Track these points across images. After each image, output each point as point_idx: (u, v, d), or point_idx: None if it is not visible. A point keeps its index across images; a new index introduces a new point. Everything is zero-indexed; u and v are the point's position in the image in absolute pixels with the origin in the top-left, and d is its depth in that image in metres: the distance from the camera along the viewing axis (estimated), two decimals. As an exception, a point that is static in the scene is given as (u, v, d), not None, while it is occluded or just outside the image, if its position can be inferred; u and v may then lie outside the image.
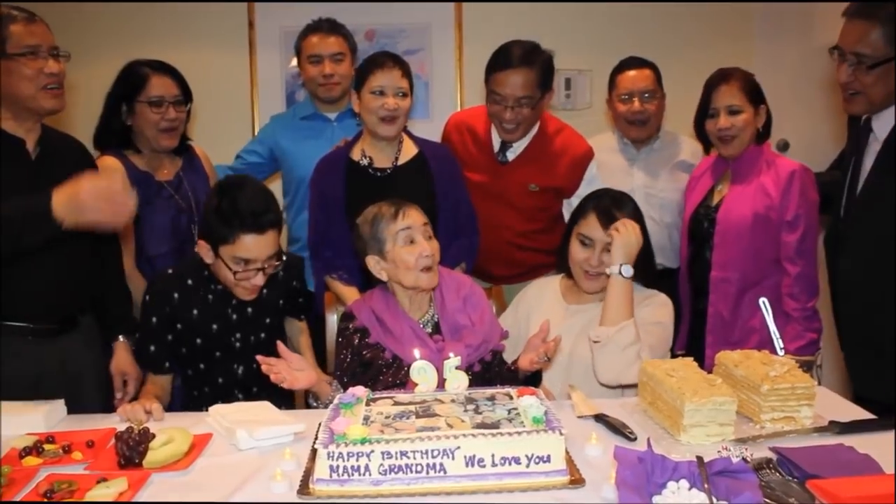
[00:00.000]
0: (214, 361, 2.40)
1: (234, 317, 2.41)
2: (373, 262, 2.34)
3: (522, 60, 2.85)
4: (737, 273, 2.77)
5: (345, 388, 2.15)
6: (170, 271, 2.43)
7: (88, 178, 2.00)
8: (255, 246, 2.25)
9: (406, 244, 2.29)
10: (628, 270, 2.35)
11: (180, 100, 2.79)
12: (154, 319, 2.36)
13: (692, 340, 2.95)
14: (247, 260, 2.26)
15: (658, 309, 2.46)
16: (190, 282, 2.39)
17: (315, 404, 2.26)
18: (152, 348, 2.37)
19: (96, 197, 1.96)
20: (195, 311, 2.37)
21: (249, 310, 2.42)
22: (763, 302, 2.12)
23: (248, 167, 3.39)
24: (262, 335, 2.46)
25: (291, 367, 2.09)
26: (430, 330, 2.34)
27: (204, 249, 2.31)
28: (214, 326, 2.39)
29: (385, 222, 2.30)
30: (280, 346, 2.15)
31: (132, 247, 2.62)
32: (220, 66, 4.06)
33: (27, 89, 2.21)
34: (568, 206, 3.10)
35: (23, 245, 2.06)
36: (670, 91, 3.31)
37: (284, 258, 2.37)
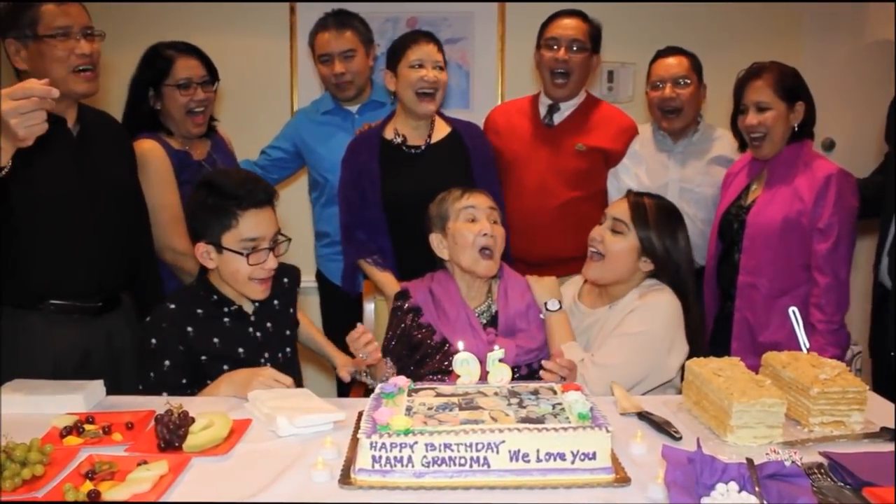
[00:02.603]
0: None
1: (258, 335, 2.26)
2: (436, 241, 2.36)
3: (576, 13, 3.12)
4: (765, 279, 2.68)
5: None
6: (171, 306, 2.19)
7: None
8: (259, 222, 2.15)
9: (467, 221, 2.29)
10: (553, 304, 2.39)
11: (207, 80, 2.78)
12: (176, 353, 2.14)
13: (717, 344, 2.79)
14: (254, 239, 2.14)
15: (646, 313, 2.31)
16: (200, 311, 2.20)
17: (365, 380, 2.27)
18: (184, 381, 2.15)
19: None
20: (216, 340, 2.19)
21: (269, 325, 2.29)
22: (793, 311, 2.04)
23: (272, 163, 3.37)
24: (288, 350, 2.33)
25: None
26: (484, 321, 2.32)
27: (203, 252, 2.17)
28: (241, 350, 2.22)
29: (451, 200, 2.34)
30: (360, 325, 2.15)
31: (184, 228, 2.61)
32: (260, 51, 4.06)
33: (58, 72, 2.19)
34: (614, 180, 3.15)
35: None
36: (715, 87, 3.23)
37: (289, 239, 2.24)
